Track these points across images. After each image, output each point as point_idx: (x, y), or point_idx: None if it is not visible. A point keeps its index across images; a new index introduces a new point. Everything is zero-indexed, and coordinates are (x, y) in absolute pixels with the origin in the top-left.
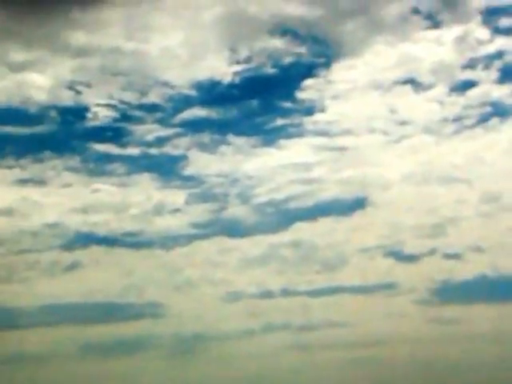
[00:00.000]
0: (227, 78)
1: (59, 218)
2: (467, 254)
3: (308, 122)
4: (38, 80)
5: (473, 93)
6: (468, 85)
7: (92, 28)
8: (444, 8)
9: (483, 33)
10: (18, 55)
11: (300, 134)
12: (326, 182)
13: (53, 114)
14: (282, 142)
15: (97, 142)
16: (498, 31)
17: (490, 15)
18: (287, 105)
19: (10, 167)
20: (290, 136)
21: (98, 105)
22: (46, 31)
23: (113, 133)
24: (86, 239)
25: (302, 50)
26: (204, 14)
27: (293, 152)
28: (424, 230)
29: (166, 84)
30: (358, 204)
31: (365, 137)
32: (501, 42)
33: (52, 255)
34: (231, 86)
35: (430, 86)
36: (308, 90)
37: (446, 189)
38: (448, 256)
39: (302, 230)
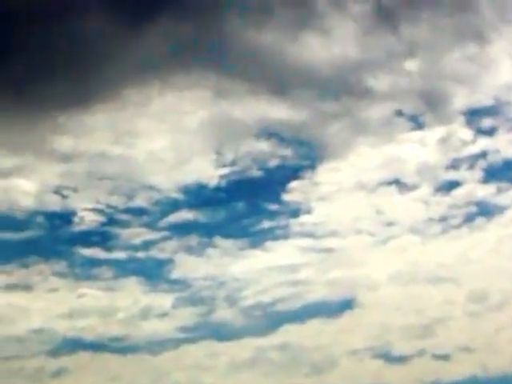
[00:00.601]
0: (213, 181)
1: (45, 324)
2: (456, 355)
3: (294, 223)
4: (24, 185)
5: (458, 192)
6: (453, 185)
7: (78, 133)
8: (427, 110)
9: (466, 133)
10: (4, 161)
11: (286, 236)
12: (314, 284)
13: (39, 219)
14: (269, 243)
15: (83, 246)
16: (480, 131)
17: (473, 116)
18: (273, 207)
19: None
20: (276, 238)
21: (85, 209)
22: (32, 137)
23: (99, 237)
24: (73, 344)
25: (288, 152)
26: (189, 118)
27: (279, 254)
28: (412, 330)
29: (152, 188)
30: (345, 305)
31: (351, 238)
32: (484, 142)
33: (38, 361)
34: (218, 188)
35: (414, 187)
36: (294, 192)
37: (433, 288)
38: (437, 357)
39: (289, 333)
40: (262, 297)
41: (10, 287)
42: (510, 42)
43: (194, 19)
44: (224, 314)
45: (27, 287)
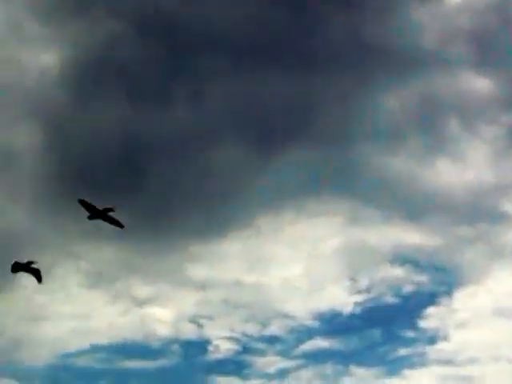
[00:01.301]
0: (348, 308)
1: None
2: None
3: (432, 350)
4: (160, 314)
5: None
6: None
7: (213, 261)
8: None
9: None
10: (140, 289)
11: (424, 364)
12: None
13: (175, 347)
14: (406, 371)
15: (219, 374)
16: None
17: None
18: (409, 334)
19: None
20: (413, 366)
21: (220, 337)
22: (168, 265)
23: (235, 365)
24: None
25: (423, 278)
26: (323, 244)
27: (417, 382)
28: None
29: (286, 315)
30: None
31: (491, 365)
32: None
33: None
34: (352, 315)
35: None
36: (430, 318)
37: None
38: None
39: None
40: None
41: None
42: None
43: (325, 147)
44: None
45: None
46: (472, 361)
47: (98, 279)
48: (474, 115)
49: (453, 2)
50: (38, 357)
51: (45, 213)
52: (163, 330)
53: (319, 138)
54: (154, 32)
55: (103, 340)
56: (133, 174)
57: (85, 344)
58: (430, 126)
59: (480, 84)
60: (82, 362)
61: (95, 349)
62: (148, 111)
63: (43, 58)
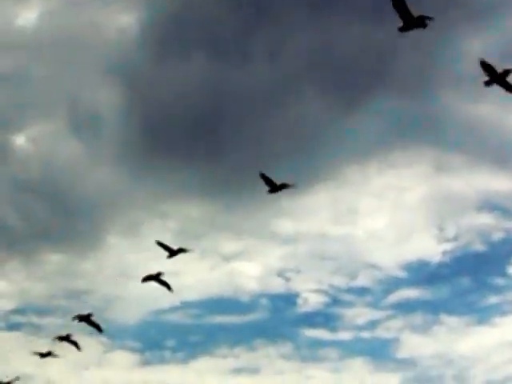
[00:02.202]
0: (436, 257)
1: None
2: None
3: None
4: (248, 268)
5: None
6: None
7: (299, 215)
8: None
9: None
10: (228, 245)
11: None
12: None
13: (264, 301)
14: (497, 319)
15: (308, 327)
16: None
17: None
18: (499, 281)
19: (224, 356)
20: (504, 313)
21: (308, 290)
22: (255, 221)
23: (323, 318)
24: None
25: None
26: (409, 194)
27: (509, 329)
28: None
29: (374, 266)
30: None
31: None
32: None
33: None
34: (441, 264)
35: None
36: None
37: None
38: None
39: None
40: (493, 374)
41: (238, 370)
42: None
43: (408, 95)
44: None
45: (254, 370)
46: None
47: (185, 236)
48: None
49: None
50: (130, 314)
51: (130, 173)
52: (251, 285)
53: (402, 86)
54: None
55: (193, 296)
56: (216, 131)
57: (175, 301)
58: None
59: None
60: (173, 318)
61: (185, 305)
62: (227, 69)
63: (122, 18)
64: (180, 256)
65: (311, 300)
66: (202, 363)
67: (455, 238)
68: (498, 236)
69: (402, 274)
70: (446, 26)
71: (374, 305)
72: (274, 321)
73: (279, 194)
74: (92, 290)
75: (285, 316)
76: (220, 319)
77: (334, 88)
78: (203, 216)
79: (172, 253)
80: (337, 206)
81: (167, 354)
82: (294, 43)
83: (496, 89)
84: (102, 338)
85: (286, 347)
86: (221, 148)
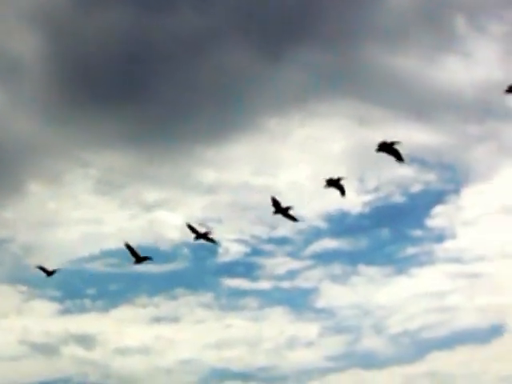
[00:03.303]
0: (356, 209)
1: (193, 355)
2: None
3: (439, 249)
4: (170, 218)
5: None
6: None
7: (221, 165)
8: None
9: None
10: (149, 195)
11: (432, 262)
12: (461, 310)
13: (185, 251)
14: (414, 270)
15: (229, 277)
16: None
17: None
18: (417, 233)
19: (144, 306)
20: (421, 264)
21: (229, 240)
22: (177, 170)
23: (244, 267)
24: (221, 375)
25: (431, 177)
26: (330, 146)
27: (425, 280)
28: None
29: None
30: (495, 331)
31: (499, 262)
32: None
33: None
34: (361, 215)
35: None
36: (438, 217)
37: None
38: None
39: (438, 360)
40: (409, 324)
41: (158, 319)
42: None
43: (332, 48)
44: (370, 342)
45: (175, 319)
46: (480, 258)
47: (106, 185)
48: (482, 13)
49: None
50: (50, 262)
51: (52, 120)
52: (172, 234)
53: (326, 39)
54: None
55: (113, 245)
56: (140, 81)
57: (95, 249)
58: (438, 25)
59: None
60: (93, 266)
61: (106, 253)
62: (152, 18)
63: None
64: (100, 204)
65: (232, 250)
66: (122, 312)
67: (375, 190)
68: (417, 188)
69: (322, 225)
70: None
71: (295, 255)
72: (195, 270)
73: (202, 143)
74: (12, 237)
75: (206, 265)
76: (140, 268)
77: (258, 39)
78: (126, 165)
79: (199, 236)
80: (259, 157)
81: (87, 302)
82: None
83: (417, 43)
84: (22, 287)
85: (207, 296)
86: (144, 98)
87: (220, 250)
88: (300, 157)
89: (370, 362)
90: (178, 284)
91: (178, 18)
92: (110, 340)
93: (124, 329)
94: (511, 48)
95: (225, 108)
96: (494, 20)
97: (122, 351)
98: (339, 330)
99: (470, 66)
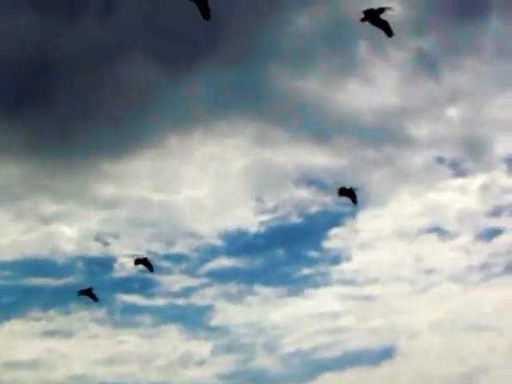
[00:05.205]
0: (254, 228)
1: (85, 370)
2: None
3: (334, 270)
4: (66, 231)
5: (499, 240)
6: (494, 232)
7: (121, 180)
8: (468, 156)
9: (508, 180)
10: (47, 207)
11: (326, 283)
12: (354, 331)
13: (80, 265)
14: (309, 291)
15: (124, 292)
16: None
17: None
18: (313, 254)
19: (37, 319)
20: (316, 285)
21: (126, 255)
22: (75, 184)
23: (140, 283)
24: None
25: (328, 199)
26: (230, 165)
27: (319, 301)
28: (454, 379)
29: (192, 234)
30: (386, 353)
31: (391, 285)
32: None
33: None
34: (258, 235)
35: (455, 234)
36: (334, 239)
37: (474, 337)
38: None
39: (329, 381)
40: (302, 344)
41: (51, 333)
42: None
43: (236, 67)
44: (263, 361)
45: (68, 333)
46: (373, 281)
47: (1, 196)
48: (384, 39)
49: None
50: None
51: None
52: (69, 248)
53: (228, 57)
54: None
55: (6, 257)
56: (41, 91)
57: None
58: (342, 49)
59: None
60: None
61: None
62: (58, 27)
63: None
64: None
65: (128, 265)
66: (14, 325)
67: (273, 210)
68: (314, 210)
69: (219, 243)
70: (275, 1)
71: (191, 272)
72: (91, 284)
73: (101, 157)
74: None
75: (101, 280)
76: (34, 281)
77: (161, 55)
78: (22, 177)
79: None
80: (159, 174)
81: None
82: (127, 6)
83: (320, 66)
84: None
85: (101, 312)
86: (42, 108)
87: (116, 266)
88: (200, 174)
89: (261, 381)
90: (72, 298)
91: (81, 30)
92: (0, 354)
93: (15, 342)
94: (410, 75)
95: (126, 123)
96: (395, 46)
97: (13, 365)
98: (232, 348)
99: (369, 91)
